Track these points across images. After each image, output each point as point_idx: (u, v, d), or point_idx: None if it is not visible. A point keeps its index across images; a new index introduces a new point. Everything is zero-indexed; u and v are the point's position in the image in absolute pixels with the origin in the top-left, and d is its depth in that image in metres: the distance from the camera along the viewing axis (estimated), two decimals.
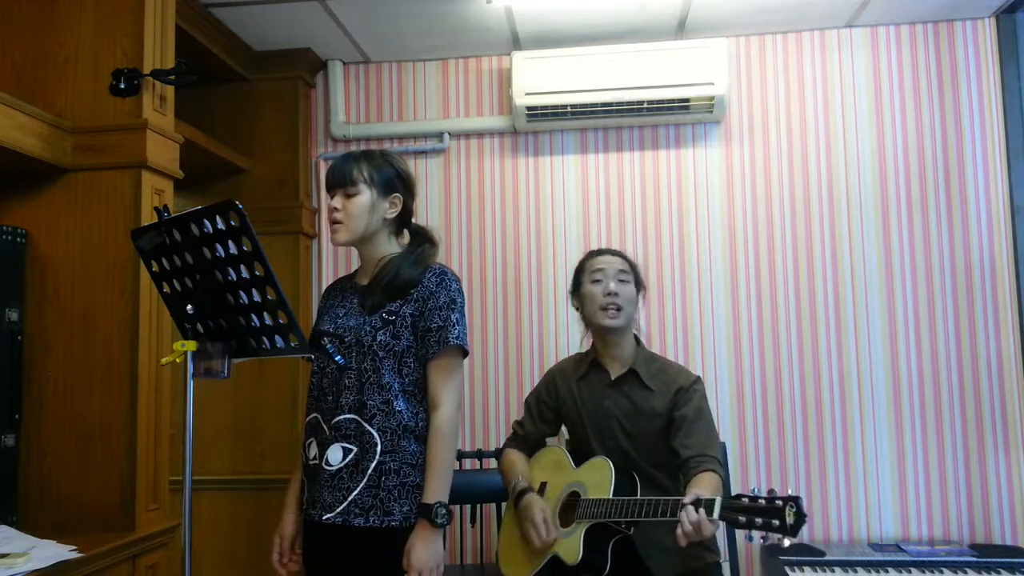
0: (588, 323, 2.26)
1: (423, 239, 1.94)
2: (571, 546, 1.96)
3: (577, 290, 2.28)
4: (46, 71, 2.23)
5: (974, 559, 2.64)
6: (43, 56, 2.23)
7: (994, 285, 3.00)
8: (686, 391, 2.13)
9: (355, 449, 1.74)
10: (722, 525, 1.90)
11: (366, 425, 1.75)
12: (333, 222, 1.84)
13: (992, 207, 3.02)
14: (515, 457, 2.31)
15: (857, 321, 3.05)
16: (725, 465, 2.08)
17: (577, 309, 2.30)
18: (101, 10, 2.22)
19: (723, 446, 2.69)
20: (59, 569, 1.72)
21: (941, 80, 3.10)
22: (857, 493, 2.99)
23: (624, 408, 2.17)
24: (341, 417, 1.77)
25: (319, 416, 1.82)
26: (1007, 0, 2.96)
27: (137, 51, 2.20)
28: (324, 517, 1.74)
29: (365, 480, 1.73)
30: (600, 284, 2.18)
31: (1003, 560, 2.63)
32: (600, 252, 2.29)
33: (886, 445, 3.00)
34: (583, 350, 2.38)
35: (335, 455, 1.75)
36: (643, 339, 2.33)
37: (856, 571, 2.62)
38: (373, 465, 1.73)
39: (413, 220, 1.98)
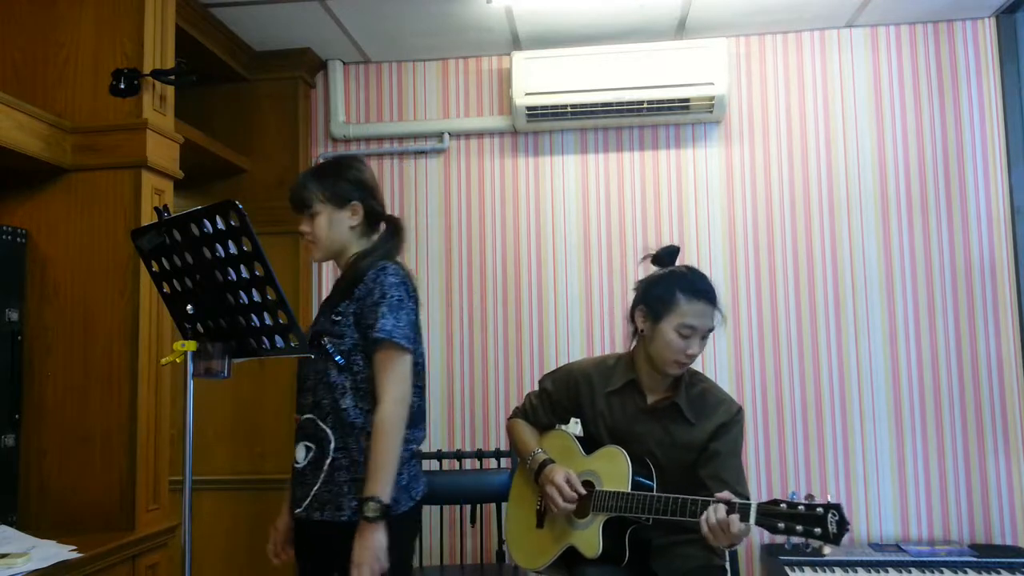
0: (649, 354, 2.01)
1: (388, 233, 1.96)
2: (590, 539, 1.94)
3: (655, 319, 1.97)
4: (46, 71, 2.23)
5: (974, 559, 2.65)
6: (43, 56, 2.23)
7: (994, 285, 3.00)
8: (727, 426, 1.98)
9: (314, 447, 1.81)
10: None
11: (321, 423, 1.81)
12: (308, 243, 1.93)
13: (992, 208, 3.02)
14: (527, 430, 2.20)
15: (857, 321, 3.05)
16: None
17: (640, 328, 2.02)
18: (101, 10, 2.23)
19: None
20: (59, 569, 1.72)
21: (941, 80, 3.10)
22: (857, 493, 2.99)
23: (658, 437, 2.00)
24: (304, 416, 1.85)
25: (296, 416, 1.90)
26: (1007, 0, 2.96)
27: (137, 51, 2.20)
28: (295, 512, 1.82)
29: (323, 476, 1.78)
30: (686, 341, 1.92)
31: (1003, 560, 2.63)
32: (700, 296, 1.94)
33: (886, 445, 3.00)
34: (609, 353, 2.21)
35: (300, 453, 1.83)
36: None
37: (856, 571, 2.62)
38: (328, 462, 1.78)
39: (389, 213, 2.00)
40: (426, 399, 1.95)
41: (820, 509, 1.56)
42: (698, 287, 1.95)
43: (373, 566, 1.67)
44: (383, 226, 1.99)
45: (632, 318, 2.05)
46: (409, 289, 1.84)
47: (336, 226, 1.90)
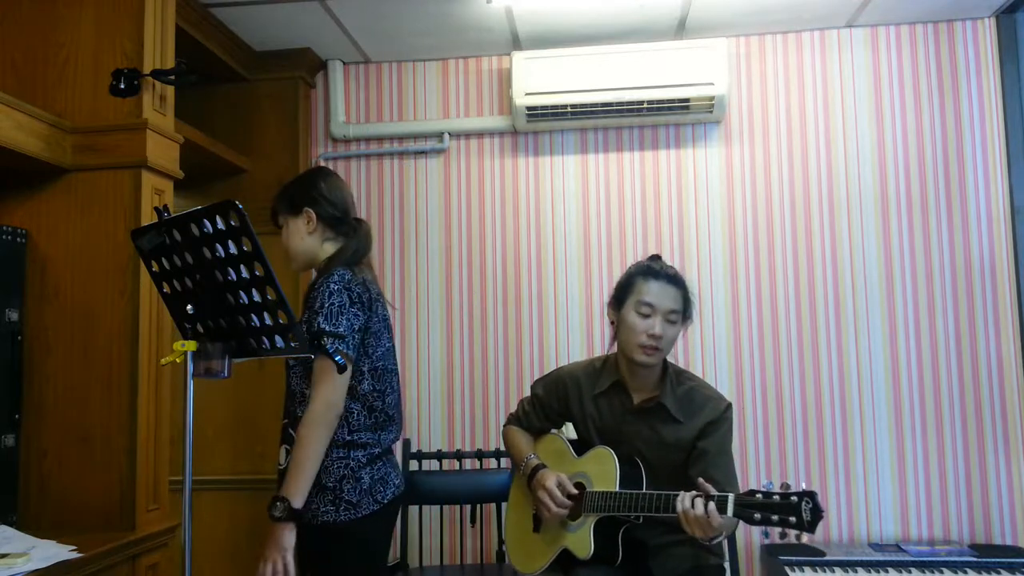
0: (619, 346, 2.04)
1: (351, 239, 1.98)
2: (582, 540, 1.95)
3: (618, 307, 2.03)
4: (46, 71, 2.23)
5: (974, 559, 2.65)
6: (43, 56, 2.23)
7: (994, 285, 3.00)
8: (715, 423, 1.97)
9: (289, 450, 1.86)
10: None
11: (290, 429, 1.87)
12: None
13: (992, 208, 3.02)
14: (521, 436, 2.21)
15: (857, 321, 3.05)
16: None
17: (612, 323, 2.06)
18: (101, 10, 2.23)
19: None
20: (59, 569, 1.72)
21: (941, 80, 3.10)
22: (857, 493, 2.99)
23: (646, 437, 2.01)
24: (283, 420, 1.95)
25: None
26: (1007, 0, 2.96)
27: (137, 51, 2.20)
28: None
29: None
30: (646, 320, 1.94)
31: (1003, 560, 2.63)
32: (658, 276, 1.99)
33: (886, 445, 3.00)
34: (597, 356, 2.21)
35: (281, 455, 1.90)
36: (670, 357, 2.09)
37: (856, 571, 2.62)
38: None
39: (357, 216, 2.04)
40: (397, 401, 1.96)
41: (794, 497, 1.57)
42: (655, 269, 2.00)
43: (275, 564, 1.71)
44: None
45: (611, 321, 2.08)
46: (353, 294, 1.84)
47: (294, 234, 1.98)
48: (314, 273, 2.03)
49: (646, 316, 1.95)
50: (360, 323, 1.84)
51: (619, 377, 2.06)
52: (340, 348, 1.78)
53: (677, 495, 1.76)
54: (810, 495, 1.56)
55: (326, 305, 1.80)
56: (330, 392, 1.78)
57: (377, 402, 1.88)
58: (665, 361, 2.05)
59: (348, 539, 1.80)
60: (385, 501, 1.86)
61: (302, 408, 1.82)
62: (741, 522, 1.67)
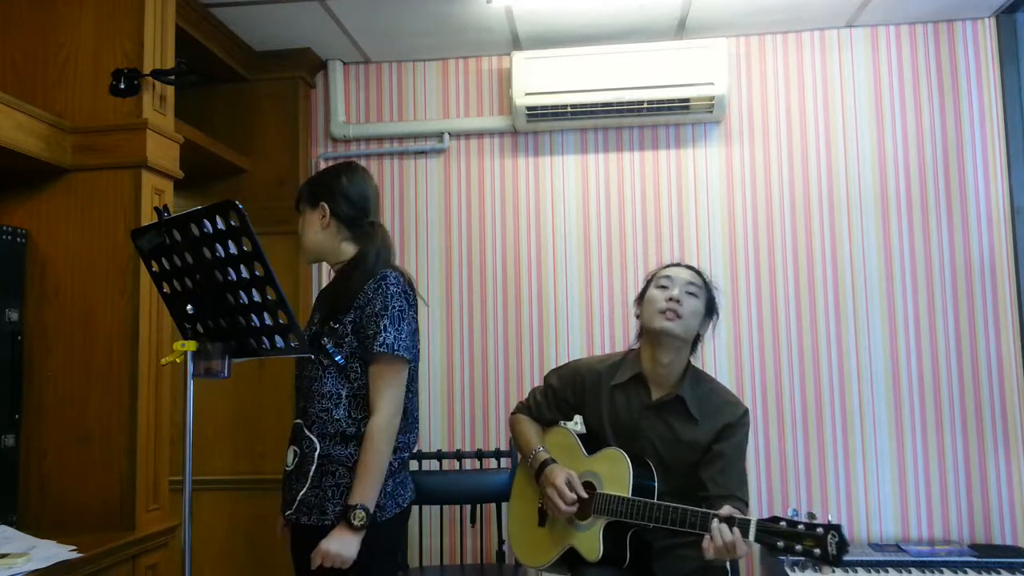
0: (643, 330, 2.08)
1: (370, 241, 1.92)
2: (590, 542, 1.94)
3: (641, 297, 2.11)
4: (46, 71, 2.23)
5: (974, 559, 2.64)
6: (43, 56, 2.23)
7: (994, 285, 3.00)
8: (732, 427, 1.98)
9: (299, 452, 1.85)
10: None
11: (307, 430, 1.83)
12: None
13: (992, 208, 3.02)
14: (530, 426, 2.20)
15: (857, 321, 3.05)
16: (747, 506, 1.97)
17: (637, 317, 2.11)
18: (101, 10, 2.23)
19: None
20: (59, 569, 1.72)
21: (941, 80, 3.10)
22: (857, 493, 2.99)
23: (661, 434, 2.01)
24: (294, 422, 1.91)
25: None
26: (1007, 0, 2.96)
27: (137, 51, 2.20)
28: (286, 513, 1.85)
29: (308, 482, 1.80)
30: (665, 290, 2.02)
31: (1003, 560, 2.63)
32: (675, 264, 2.13)
33: (886, 445, 3.00)
34: (617, 351, 2.24)
35: (288, 457, 1.88)
36: (697, 363, 2.13)
37: (856, 571, 2.62)
38: (313, 468, 1.80)
39: (373, 219, 1.97)
40: (417, 402, 1.96)
41: (820, 529, 1.54)
42: (674, 263, 2.14)
43: (338, 561, 1.69)
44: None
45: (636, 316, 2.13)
46: (410, 298, 1.85)
47: (308, 226, 1.94)
48: (327, 266, 2.01)
49: (664, 287, 2.02)
50: (415, 325, 1.86)
51: (640, 370, 2.07)
52: (402, 353, 1.78)
53: (693, 512, 1.76)
54: (836, 528, 1.53)
55: (389, 307, 1.79)
56: (399, 397, 1.80)
57: (409, 404, 1.87)
58: (688, 363, 2.07)
59: (373, 542, 1.77)
60: (405, 504, 1.86)
61: (341, 410, 1.81)
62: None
